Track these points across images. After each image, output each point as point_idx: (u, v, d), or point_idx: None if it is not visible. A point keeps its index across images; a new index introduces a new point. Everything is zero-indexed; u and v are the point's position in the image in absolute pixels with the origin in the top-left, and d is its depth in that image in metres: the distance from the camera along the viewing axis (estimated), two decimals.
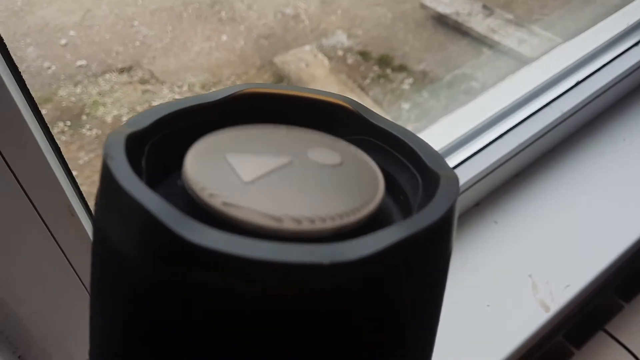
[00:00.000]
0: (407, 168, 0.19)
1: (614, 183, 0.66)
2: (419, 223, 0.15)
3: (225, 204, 0.15)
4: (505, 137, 0.64)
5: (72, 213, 0.29)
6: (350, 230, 0.15)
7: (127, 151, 0.16)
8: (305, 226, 0.15)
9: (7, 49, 0.27)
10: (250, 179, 0.16)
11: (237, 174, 0.16)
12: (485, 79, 1.68)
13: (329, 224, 0.15)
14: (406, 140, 0.19)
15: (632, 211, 0.63)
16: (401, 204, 0.19)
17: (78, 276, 0.32)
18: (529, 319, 0.55)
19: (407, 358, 0.19)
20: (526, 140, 0.64)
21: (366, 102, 1.67)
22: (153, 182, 0.17)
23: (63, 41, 1.82)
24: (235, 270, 0.13)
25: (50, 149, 0.29)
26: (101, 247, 0.15)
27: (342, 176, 0.17)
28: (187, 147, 0.17)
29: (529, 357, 0.57)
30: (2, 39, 0.28)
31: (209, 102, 0.19)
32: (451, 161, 0.61)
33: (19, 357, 0.34)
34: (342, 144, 0.19)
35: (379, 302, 0.15)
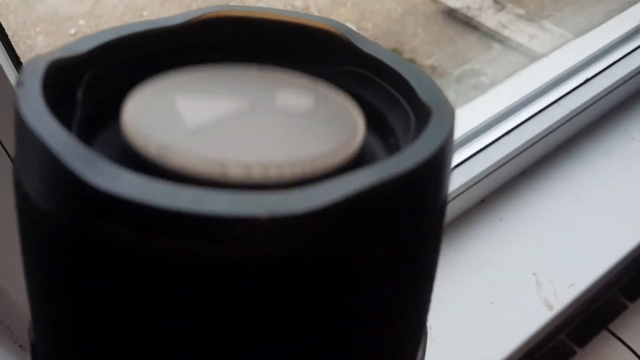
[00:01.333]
0: (400, 104, 0.16)
1: (622, 182, 0.65)
2: (393, 167, 0.12)
3: (160, 147, 0.12)
4: (512, 133, 0.63)
5: None
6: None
7: (50, 79, 0.13)
8: (257, 173, 0.12)
9: (8, 39, 0.27)
10: (198, 124, 0.13)
11: (184, 118, 0.14)
12: (495, 74, 1.66)
13: (287, 171, 0.12)
14: (399, 70, 0.16)
15: (636, 212, 0.63)
16: (390, 148, 0.16)
17: None
18: (533, 317, 0.54)
19: (381, 339, 0.15)
20: (533, 138, 0.63)
21: None
22: (95, 121, 0.15)
23: (72, 30, 1.82)
24: (148, 223, 0.11)
25: None
26: (17, 196, 0.13)
27: (312, 122, 0.14)
28: (140, 80, 0.15)
29: (531, 355, 0.57)
30: (4, 30, 0.28)
31: (166, 28, 0.16)
32: (457, 157, 0.61)
33: (20, 346, 0.34)
34: (319, 86, 0.16)
35: (335, 270, 0.12)
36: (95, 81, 0.15)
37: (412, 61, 1.76)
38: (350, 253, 0.12)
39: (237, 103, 0.14)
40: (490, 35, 1.82)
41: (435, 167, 0.13)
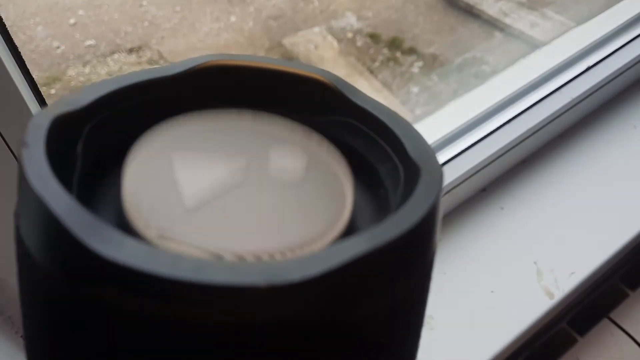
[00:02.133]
0: (390, 157, 0.17)
1: (623, 170, 0.65)
2: (383, 234, 0.12)
3: (161, 237, 0.13)
4: (513, 122, 0.63)
5: None
6: None
7: (53, 136, 0.13)
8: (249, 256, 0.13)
9: (6, 28, 0.27)
10: (194, 204, 0.14)
11: (181, 192, 0.14)
12: (496, 62, 1.66)
13: (279, 258, 0.13)
14: (390, 125, 0.17)
15: (637, 200, 0.62)
16: (380, 201, 0.16)
17: None
18: (533, 305, 0.55)
19: None
20: (535, 126, 0.63)
21: (375, 85, 1.66)
22: (96, 171, 0.15)
23: (72, 20, 1.81)
24: (151, 291, 0.11)
25: None
26: (18, 251, 0.13)
27: (303, 195, 0.15)
28: (139, 128, 0.15)
29: (532, 343, 0.57)
30: (2, 20, 0.27)
31: (164, 77, 0.16)
32: (458, 146, 0.61)
33: (22, 336, 0.34)
34: (311, 145, 0.16)
35: (330, 332, 0.12)
36: (95, 133, 0.15)
37: (413, 50, 1.76)
38: (343, 316, 0.12)
39: (232, 169, 0.15)
40: (491, 24, 1.81)
41: (425, 230, 0.14)
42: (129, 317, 0.11)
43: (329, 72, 0.18)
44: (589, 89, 0.66)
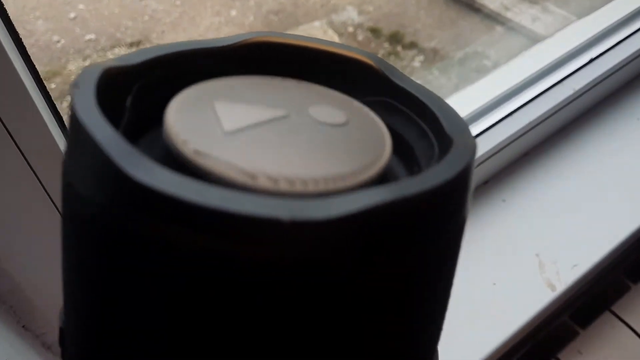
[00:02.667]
0: (426, 135, 0.17)
1: (626, 163, 0.65)
2: (410, 187, 0.12)
3: (196, 152, 0.13)
4: (515, 114, 0.63)
5: None
6: None
7: (103, 85, 0.14)
8: (282, 187, 0.13)
9: (8, 16, 0.26)
10: (233, 129, 0.14)
11: (221, 123, 0.14)
12: (498, 57, 1.65)
13: (311, 188, 0.13)
14: (428, 104, 0.17)
15: None
16: (412, 175, 0.16)
17: None
18: (535, 298, 0.54)
19: (392, 348, 0.15)
20: (537, 118, 0.63)
21: None
22: (141, 127, 0.16)
23: (72, 15, 1.81)
24: (177, 216, 0.11)
25: (53, 118, 0.28)
26: (62, 182, 0.14)
27: (342, 137, 0.15)
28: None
29: (534, 336, 0.57)
30: (5, 9, 0.27)
31: (213, 48, 0.17)
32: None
33: (23, 326, 0.34)
34: (354, 104, 0.17)
35: (348, 275, 0.12)
36: (144, 91, 0.16)
37: (414, 44, 1.76)
38: (365, 262, 0.12)
39: (273, 110, 0.15)
40: (492, 18, 1.80)
41: (453, 192, 0.14)
42: (154, 240, 0.12)
43: (372, 54, 0.18)
44: (591, 81, 0.66)
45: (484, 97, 0.64)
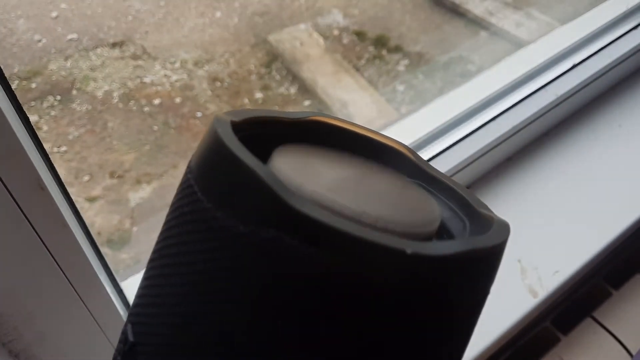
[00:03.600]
0: (455, 212, 0.21)
1: (608, 169, 0.65)
2: (483, 242, 0.17)
3: (314, 192, 0.16)
4: (498, 119, 0.62)
5: (42, 187, 0.28)
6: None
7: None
8: (380, 225, 0.16)
9: None
10: (331, 180, 0.18)
11: (319, 175, 0.18)
12: (482, 62, 1.66)
13: (399, 229, 0.17)
14: (455, 187, 0.21)
15: (624, 198, 0.62)
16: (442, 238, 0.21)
17: (50, 253, 0.31)
18: (517, 304, 0.54)
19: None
20: (520, 124, 0.63)
21: (361, 82, 1.66)
22: None
23: (54, 14, 1.78)
24: (331, 243, 0.14)
25: (19, 119, 0.27)
26: (198, 215, 0.16)
27: (406, 195, 0.19)
28: (267, 148, 0.19)
29: (515, 342, 0.56)
30: None
31: (286, 118, 0.21)
32: (443, 143, 0.60)
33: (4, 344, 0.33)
34: (401, 175, 0.21)
35: (441, 301, 0.16)
36: (243, 142, 0.19)
37: (399, 48, 1.76)
38: (452, 293, 0.16)
39: (352, 169, 0.20)
40: (477, 23, 1.81)
41: (501, 251, 0.18)
42: (301, 261, 0.14)
43: (405, 145, 0.23)
44: (574, 87, 0.66)
45: (467, 102, 0.64)
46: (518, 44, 1.69)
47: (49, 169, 0.30)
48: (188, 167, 0.18)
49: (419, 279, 0.15)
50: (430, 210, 0.19)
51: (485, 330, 0.53)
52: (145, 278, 0.19)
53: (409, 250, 0.14)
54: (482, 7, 1.86)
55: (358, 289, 0.15)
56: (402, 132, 0.61)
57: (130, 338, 0.18)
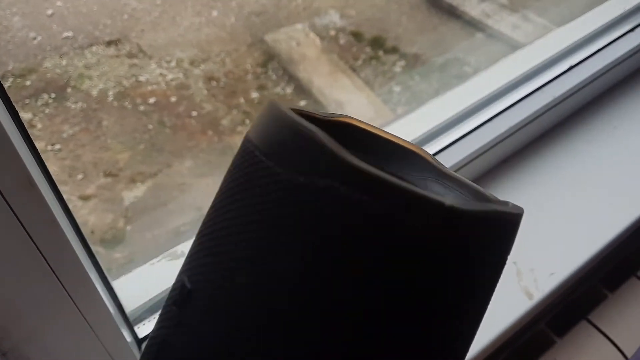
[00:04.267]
0: (466, 199, 0.24)
1: (604, 171, 0.65)
2: (507, 208, 0.19)
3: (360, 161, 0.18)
4: (494, 120, 0.62)
5: (32, 184, 0.27)
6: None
7: None
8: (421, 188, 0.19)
9: None
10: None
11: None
12: (478, 64, 1.66)
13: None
14: (471, 185, 0.24)
15: (620, 200, 0.62)
16: None
17: (40, 251, 0.31)
18: (512, 306, 0.54)
19: (468, 321, 0.22)
20: (515, 125, 0.62)
21: (357, 83, 1.65)
22: None
23: (49, 11, 1.77)
24: (378, 192, 0.17)
25: (8, 114, 0.27)
26: (266, 176, 0.19)
27: (434, 187, 0.24)
28: None
29: (510, 345, 0.56)
30: None
31: (320, 116, 0.24)
32: (439, 143, 0.60)
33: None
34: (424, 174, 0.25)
35: (467, 253, 0.18)
36: None
37: (395, 49, 1.75)
38: (479, 250, 0.19)
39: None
40: (473, 25, 1.81)
41: (519, 221, 0.21)
42: (352, 206, 0.17)
43: (425, 150, 0.25)
44: (570, 89, 0.66)
45: (463, 103, 0.63)
46: (514, 46, 1.69)
47: (39, 166, 0.30)
48: (246, 140, 0.21)
49: (452, 227, 0.17)
50: (454, 198, 0.22)
51: (481, 331, 0.52)
52: (203, 234, 0.21)
53: (447, 203, 0.17)
54: (479, 9, 1.86)
55: (399, 232, 0.17)
56: (398, 133, 0.61)
57: (188, 286, 0.20)
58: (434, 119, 0.62)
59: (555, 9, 1.76)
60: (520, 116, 0.63)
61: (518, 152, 0.66)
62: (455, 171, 0.59)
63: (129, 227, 1.29)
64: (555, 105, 0.65)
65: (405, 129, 0.61)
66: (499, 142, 0.62)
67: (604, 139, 0.68)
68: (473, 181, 0.62)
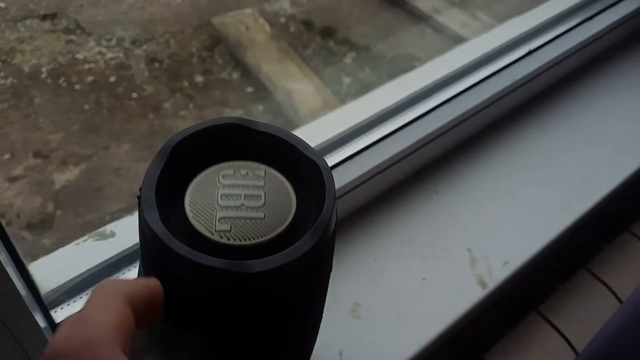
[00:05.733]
0: (301, 183, 0.29)
1: (560, 159, 0.63)
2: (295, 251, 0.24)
3: (204, 229, 0.26)
4: (452, 102, 0.60)
5: None
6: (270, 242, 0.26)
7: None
8: (232, 243, 0.25)
9: None
10: (221, 206, 0.27)
11: (215, 204, 0.27)
12: (427, 59, 1.65)
13: (249, 243, 0.26)
14: (284, 138, 0.29)
15: (573, 190, 0.61)
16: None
17: None
18: (466, 295, 0.51)
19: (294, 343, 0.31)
20: (473, 108, 0.60)
21: (306, 72, 1.62)
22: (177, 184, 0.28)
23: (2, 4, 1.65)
24: (190, 269, 0.24)
25: None
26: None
27: (270, 196, 0.28)
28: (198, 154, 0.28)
29: (460, 336, 0.53)
30: None
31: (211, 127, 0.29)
32: (393, 124, 0.57)
33: None
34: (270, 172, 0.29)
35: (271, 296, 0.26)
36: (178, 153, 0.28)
37: (346, 40, 1.73)
38: (276, 294, 0.26)
39: (235, 190, 0.28)
40: (424, 20, 1.81)
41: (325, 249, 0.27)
42: (188, 282, 0.25)
43: (235, 117, 0.30)
44: (529, 73, 0.64)
45: (418, 85, 0.61)
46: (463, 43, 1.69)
47: None
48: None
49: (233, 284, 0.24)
50: (283, 206, 0.27)
51: (432, 321, 0.49)
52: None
53: (246, 271, 0.24)
54: (429, 5, 1.86)
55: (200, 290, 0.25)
56: (347, 116, 0.57)
57: None
58: (386, 100, 0.59)
59: (502, 9, 1.78)
60: (477, 99, 0.61)
61: (474, 136, 0.64)
62: (411, 153, 0.56)
63: (59, 212, 1.21)
64: (513, 90, 0.63)
65: (357, 109, 0.58)
66: (456, 126, 0.59)
67: (560, 126, 0.66)
68: (427, 165, 0.59)
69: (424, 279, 0.52)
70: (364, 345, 0.48)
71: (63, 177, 1.27)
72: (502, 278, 0.53)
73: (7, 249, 0.34)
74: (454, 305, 0.51)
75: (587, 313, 0.61)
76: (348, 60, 1.67)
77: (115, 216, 1.17)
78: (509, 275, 0.53)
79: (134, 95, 1.46)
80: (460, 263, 0.53)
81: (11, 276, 0.33)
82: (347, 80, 1.61)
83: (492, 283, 0.52)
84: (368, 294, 0.51)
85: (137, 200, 0.26)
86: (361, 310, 0.50)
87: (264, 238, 0.26)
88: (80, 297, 0.42)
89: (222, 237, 0.25)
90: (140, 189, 0.26)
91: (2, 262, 0.32)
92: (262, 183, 0.28)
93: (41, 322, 0.37)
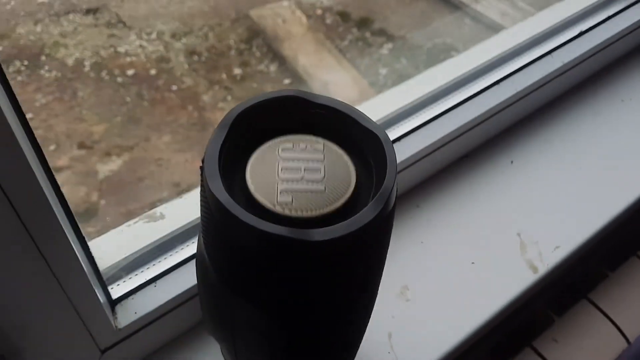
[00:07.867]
0: (361, 155, 0.29)
1: (610, 144, 0.62)
2: (358, 221, 0.25)
3: (264, 201, 0.26)
4: (502, 83, 0.59)
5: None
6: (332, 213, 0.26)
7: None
8: (294, 214, 0.26)
9: None
10: (281, 179, 0.27)
11: (274, 177, 0.27)
12: (465, 49, 1.63)
13: (310, 214, 0.26)
14: (345, 111, 0.29)
15: (625, 176, 0.59)
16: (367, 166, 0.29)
17: (10, 201, 0.26)
18: (517, 279, 0.51)
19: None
20: (523, 90, 0.59)
21: (343, 63, 1.61)
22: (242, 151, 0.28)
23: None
24: (254, 237, 0.25)
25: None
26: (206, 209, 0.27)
27: (328, 168, 0.28)
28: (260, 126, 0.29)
29: (510, 321, 0.53)
30: None
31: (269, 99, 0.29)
32: (449, 102, 0.56)
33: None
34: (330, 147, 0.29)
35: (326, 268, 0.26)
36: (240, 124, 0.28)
37: (383, 31, 1.71)
38: (335, 261, 0.26)
39: (295, 163, 0.28)
40: (462, 10, 1.78)
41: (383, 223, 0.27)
42: (249, 248, 0.26)
43: (294, 90, 0.30)
44: (580, 56, 0.63)
45: (457, 72, 0.60)
46: None
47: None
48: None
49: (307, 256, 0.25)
50: (343, 179, 0.27)
51: (481, 306, 0.49)
52: None
53: (312, 239, 0.24)
54: None
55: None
56: (386, 103, 0.57)
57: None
58: (426, 88, 0.58)
59: None
60: (525, 83, 0.59)
61: (523, 120, 0.63)
62: (460, 135, 0.56)
63: (102, 201, 1.24)
64: (562, 74, 0.62)
65: (397, 97, 0.58)
66: (503, 109, 0.59)
67: (612, 111, 0.65)
68: (475, 149, 0.58)
69: (473, 263, 0.51)
70: (413, 328, 0.48)
71: (106, 168, 1.30)
72: (553, 263, 0.52)
73: (73, 228, 0.35)
74: (505, 289, 0.50)
75: (637, 300, 0.60)
76: (384, 51, 1.66)
77: (156, 206, 1.19)
78: (560, 261, 0.52)
79: (174, 87, 1.48)
80: (510, 247, 0.53)
81: (77, 253, 0.34)
82: (383, 71, 1.60)
83: (544, 268, 0.52)
84: (416, 277, 0.50)
85: (199, 171, 0.26)
86: (409, 293, 0.49)
87: (325, 210, 0.26)
88: (136, 274, 0.43)
89: (283, 209, 0.25)
90: (202, 160, 0.26)
91: (70, 239, 0.33)
92: (321, 157, 0.28)
93: (101, 297, 0.38)
